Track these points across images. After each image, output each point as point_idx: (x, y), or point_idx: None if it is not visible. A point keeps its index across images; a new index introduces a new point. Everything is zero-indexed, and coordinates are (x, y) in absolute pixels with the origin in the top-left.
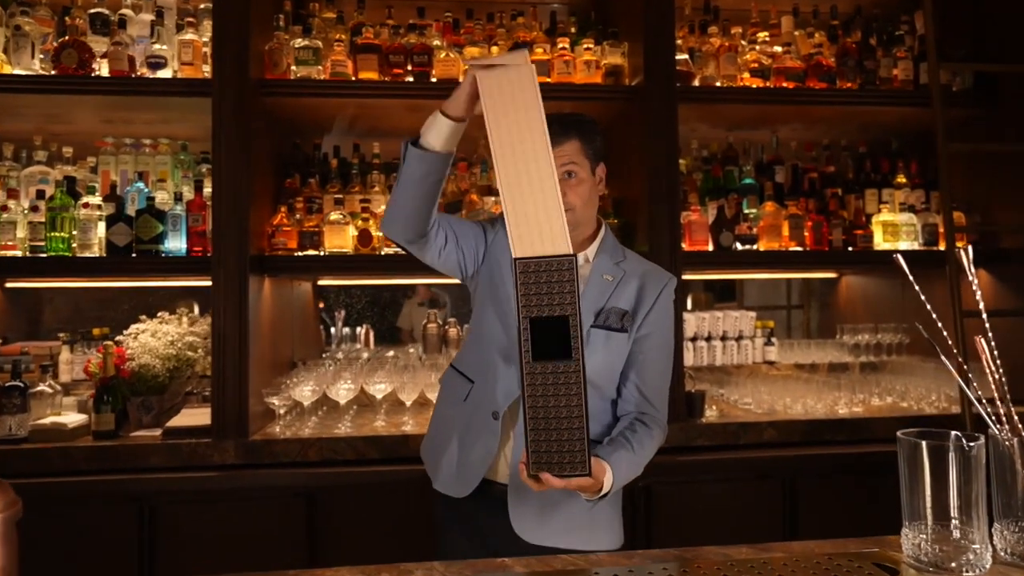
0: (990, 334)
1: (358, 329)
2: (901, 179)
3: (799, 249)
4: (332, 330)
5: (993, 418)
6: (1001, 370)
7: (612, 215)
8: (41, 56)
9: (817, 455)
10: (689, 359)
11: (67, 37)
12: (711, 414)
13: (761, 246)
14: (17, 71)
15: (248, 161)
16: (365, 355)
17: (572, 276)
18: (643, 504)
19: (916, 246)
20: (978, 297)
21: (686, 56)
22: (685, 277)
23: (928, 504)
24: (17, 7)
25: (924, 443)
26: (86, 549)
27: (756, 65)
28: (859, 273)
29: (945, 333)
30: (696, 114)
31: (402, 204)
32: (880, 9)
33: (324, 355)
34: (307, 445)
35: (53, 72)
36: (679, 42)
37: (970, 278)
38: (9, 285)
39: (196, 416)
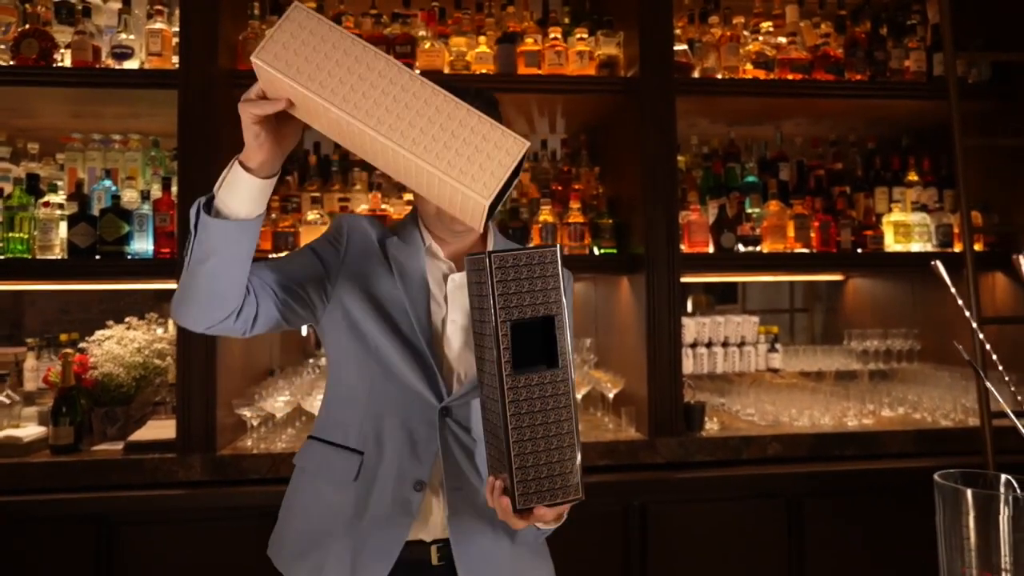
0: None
1: None
2: (913, 176)
3: (805, 251)
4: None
5: None
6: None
7: (606, 215)
8: (1, 47)
9: (824, 472)
10: (688, 367)
11: (28, 26)
12: (711, 426)
13: (765, 248)
14: None
15: (217, 157)
16: None
17: (556, 270)
18: (638, 525)
19: (930, 248)
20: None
21: (685, 47)
22: (684, 280)
23: (974, 561)
24: None
25: (970, 491)
26: (40, 573)
27: (759, 56)
28: (868, 276)
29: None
30: (696, 108)
31: (206, 287)
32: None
33: (310, 361)
34: (279, 460)
35: (12, 63)
36: (678, 32)
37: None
38: None
39: (161, 429)
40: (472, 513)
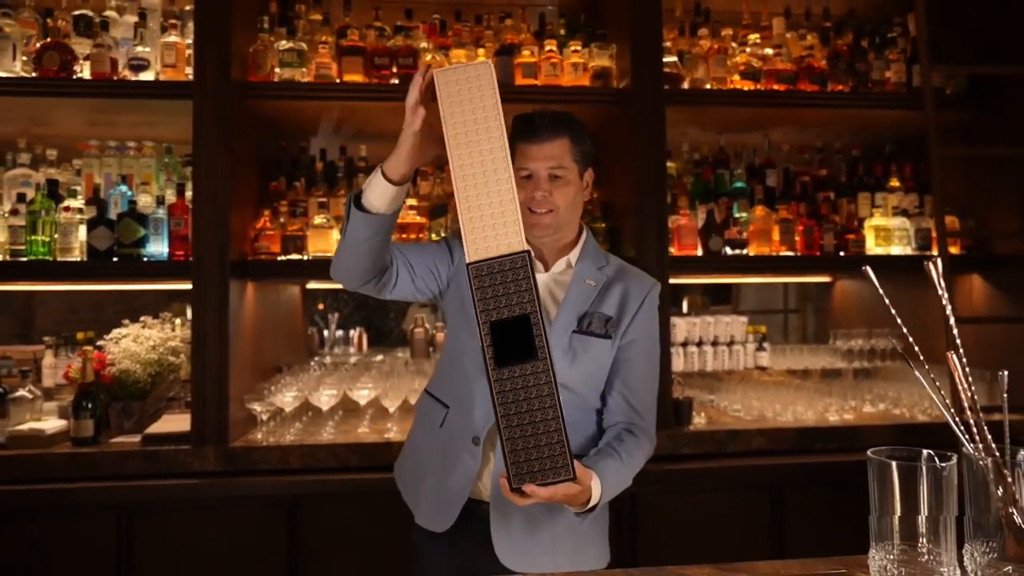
0: (959, 342)
1: (351, 332)
2: (895, 183)
3: (789, 254)
4: (325, 333)
5: (967, 436)
6: (972, 384)
7: (600, 219)
8: (24, 58)
9: (806, 464)
10: (679, 365)
11: (49, 39)
12: (700, 421)
13: (751, 250)
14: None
15: (230, 165)
16: (353, 359)
17: (528, 273)
18: (628, 515)
19: (909, 251)
20: (944, 302)
21: (675, 58)
22: (673, 281)
23: (896, 525)
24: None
25: (894, 463)
26: (63, 558)
27: (746, 67)
28: (853, 278)
29: (910, 345)
30: (686, 117)
31: (350, 258)
32: (873, 11)
33: (315, 359)
34: (288, 452)
35: (34, 74)
36: (668, 44)
37: (939, 292)
38: None
39: (177, 422)
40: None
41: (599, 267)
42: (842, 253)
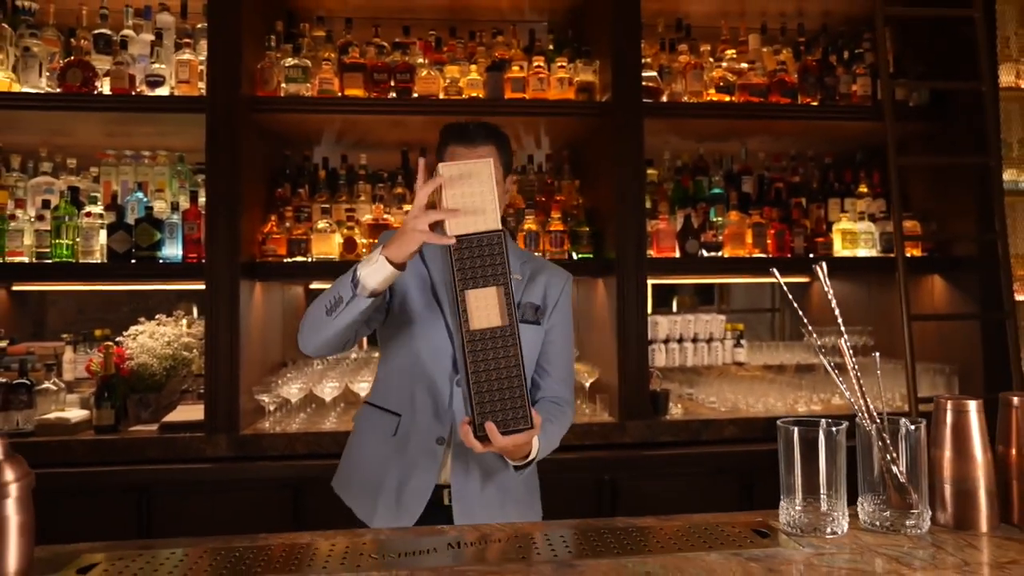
0: (846, 337)
1: None
2: (863, 189)
3: (761, 256)
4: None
5: (864, 412)
6: (858, 369)
7: (584, 223)
8: (48, 74)
9: (774, 451)
10: (661, 360)
11: (72, 57)
12: (677, 412)
13: (726, 253)
14: (25, 89)
15: (240, 174)
16: (353, 355)
17: (502, 249)
18: (608, 496)
19: (875, 253)
20: (834, 304)
21: (655, 73)
22: (653, 282)
23: (799, 480)
24: (26, 29)
25: (796, 429)
26: (88, 535)
27: (722, 81)
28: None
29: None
30: (666, 127)
31: (339, 336)
32: (845, 27)
33: None
34: (294, 439)
35: (59, 90)
36: (649, 60)
37: (826, 290)
38: (15, 288)
39: (191, 412)
40: (472, 464)
41: (522, 262)
42: (812, 255)
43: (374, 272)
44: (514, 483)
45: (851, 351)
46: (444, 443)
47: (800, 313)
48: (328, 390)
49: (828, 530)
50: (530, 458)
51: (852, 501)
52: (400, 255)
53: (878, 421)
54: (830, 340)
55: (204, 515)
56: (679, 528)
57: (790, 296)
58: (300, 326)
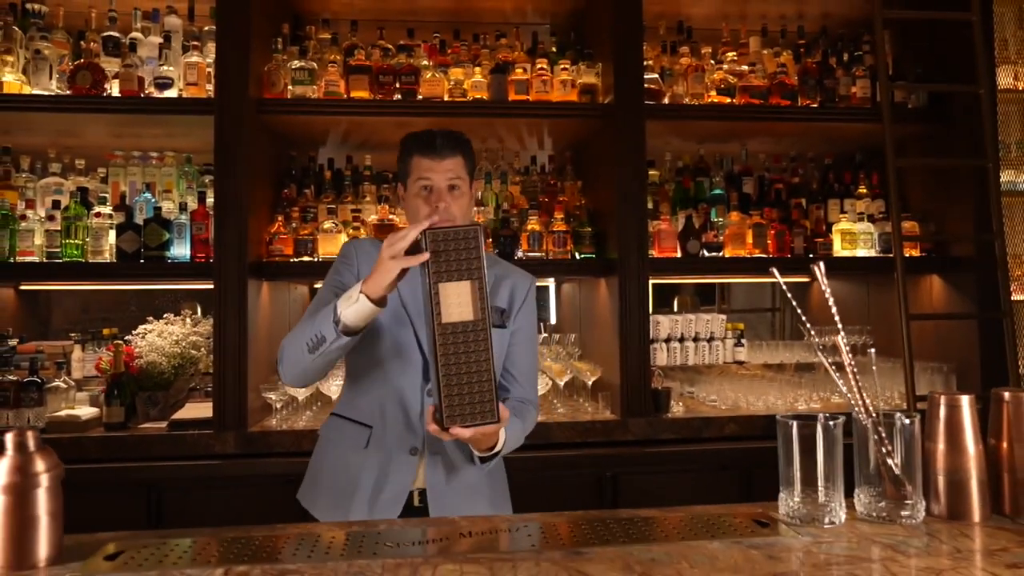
0: (843, 335)
1: None
2: (862, 190)
3: (761, 256)
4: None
5: (860, 407)
6: (855, 366)
7: (586, 224)
8: (57, 76)
9: (774, 448)
10: (662, 359)
11: (82, 60)
12: (678, 410)
13: (727, 253)
14: (36, 91)
15: (247, 175)
16: None
17: (478, 244)
18: (610, 492)
19: (874, 253)
20: (831, 303)
21: (656, 75)
22: (654, 281)
23: (797, 472)
24: (36, 31)
25: (795, 423)
26: (99, 530)
27: (722, 84)
28: (827, 279)
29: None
30: (668, 129)
31: (319, 370)
32: (845, 29)
33: None
34: (301, 436)
35: (69, 92)
36: (650, 62)
37: (824, 289)
38: (23, 288)
39: (199, 409)
40: (444, 469)
41: (489, 267)
42: (811, 255)
43: (355, 311)
44: (481, 481)
45: (848, 349)
46: (417, 453)
47: (799, 312)
48: (334, 388)
49: (826, 520)
50: (495, 451)
51: (848, 493)
52: (378, 287)
53: (874, 416)
54: (830, 339)
55: (213, 510)
56: (682, 518)
57: (789, 296)
58: (280, 357)
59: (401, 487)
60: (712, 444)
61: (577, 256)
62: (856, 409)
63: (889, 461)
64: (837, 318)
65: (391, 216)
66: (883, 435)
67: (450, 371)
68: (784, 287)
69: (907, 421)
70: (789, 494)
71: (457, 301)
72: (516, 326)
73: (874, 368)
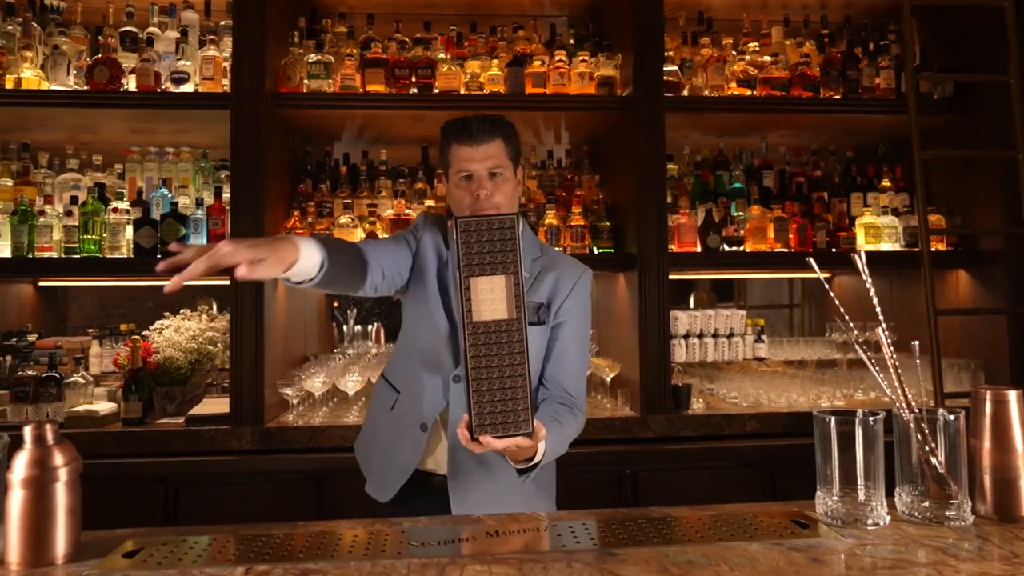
0: (884, 328)
1: (369, 327)
2: (886, 183)
3: (783, 250)
4: (345, 328)
5: (902, 402)
6: (896, 359)
7: (604, 218)
8: (75, 72)
9: (797, 445)
10: (681, 355)
11: (100, 55)
12: (698, 407)
13: (747, 248)
14: (54, 87)
15: (263, 169)
16: (374, 351)
17: (514, 235)
18: (630, 489)
19: (898, 247)
20: (872, 294)
21: (676, 67)
22: (674, 277)
23: (836, 470)
24: (55, 27)
25: (833, 419)
26: (116, 525)
27: (743, 75)
28: (848, 274)
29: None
30: (687, 122)
31: (337, 286)
32: (869, 19)
33: (336, 351)
34: (317, 432)
35: (86, 87)
36: (671, 53)
37: (865, 279)
38: (42, 284)
39: (216, 405)
40: (470, 456)
41: (533, 258)
42: (834, 250)
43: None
44: (515, 481)
45: (889, 342)
46: (426, 430)
47: (838, 304)
48: (351, 384)
49: (869, 521)
50: (534, 462)
51: (887, 491)
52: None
53: (916, 412)
54: (858, 335)
55: (229, 506)
56: (713, 518)
57: (828, 287)
58: None
59: (408, 460)
60: (733, 441)
61: (595, 251)
62: (898, 405)
63: (933, 459)
64: (879, 310)
65: (407, 211)
66: (926, 431)
67: (480, 375)
68: (823, 279)
69: (951, 417)
70: (827, 492)
71: (490, 298)
72: (561, 319)
73: (917, 362)
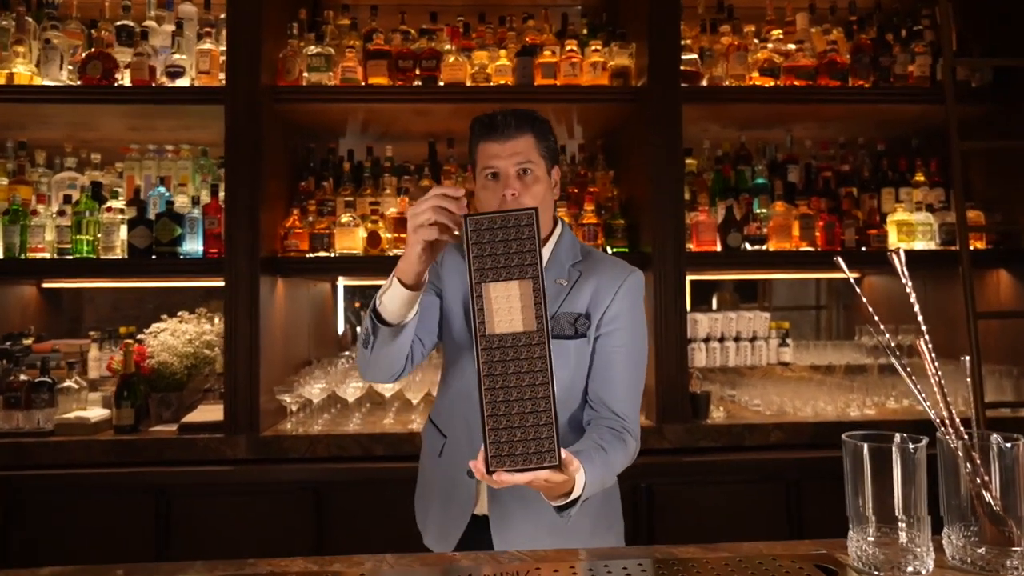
0: (926, 336)
1: None
2: (919, 177)
3: (809, 249)
4: (358, 329)
5: (946, 422)
6: (941, 373)
7: (618, 215)
8: (70, 67)
9: (824, 457)
10: (701, 360)
11: (94, 49)
12: (718, 415)
13: (771, 246)
14: (46, 82)
15: (260, 166)
16: None
17: (533, 232)
18: (645, 505)
19: (933, 246)
20: (913, 299)
21: (695, 56)
22: (692, 278)
23: (871, 506)
24: (48, 21)
25: (866, 446)
26: (107, 536)
27: (766, 64)
28: (879, 273)
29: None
30: (706, 114)
31: (383, 364)
32: (900, 4)
33: (344, 354)
34: (315, 441)
35: (79, 83)
36: (689, 42)
37: (904, 281)
38: (45, 285)
39: (211, 412)
40: (512, 497)
41: (573, 263)
42: (864, 248)
43: (390, 297)
44: (556, 519)
45: (930, 351)
46: (473, 476)
47: (868, 307)
48: (351, 391)
49: (910, 569)
50: (573, 497)
51: (935, 530)
52: (407, 267)
53: (965, 437)
54: (886, 339)
55: (223, 519)
56: (727, 562)
57: (859, 290)
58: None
59: (463, 507)
60: (756, 453)
61: (609, 250)
62: (941, 429)
63: (986, 495)
64: (920, 318)
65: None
66: (978, 462)
67: (496, 396)
68: (852, 280)
69: (1008, 445)
70: (860, 533)
71: (506, 307)
72: (608, 328)
73: (968, 380)
